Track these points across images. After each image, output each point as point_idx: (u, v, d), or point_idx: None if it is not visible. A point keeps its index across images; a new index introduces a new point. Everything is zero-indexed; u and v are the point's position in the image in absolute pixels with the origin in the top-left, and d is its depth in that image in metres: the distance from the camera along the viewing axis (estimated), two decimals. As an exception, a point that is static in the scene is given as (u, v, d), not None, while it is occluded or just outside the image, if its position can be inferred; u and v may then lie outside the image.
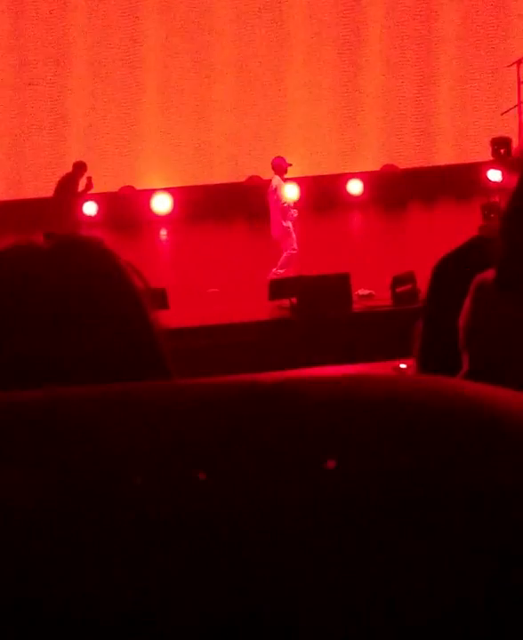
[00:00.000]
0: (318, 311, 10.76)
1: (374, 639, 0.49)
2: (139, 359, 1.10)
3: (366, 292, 11.78)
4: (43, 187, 14.78)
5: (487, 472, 0.53)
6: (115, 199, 15.27)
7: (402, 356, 6.74)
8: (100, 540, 0.51)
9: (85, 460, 0.53)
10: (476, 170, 15.47)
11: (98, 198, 14.87)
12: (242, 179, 16.05)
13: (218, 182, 15.95)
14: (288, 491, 0.52)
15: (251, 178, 16.10)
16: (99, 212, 15.04)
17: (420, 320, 1.45)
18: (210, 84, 16.05)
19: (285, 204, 12.93)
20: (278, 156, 13.40)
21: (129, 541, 0.51)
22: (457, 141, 16.27)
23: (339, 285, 11.17)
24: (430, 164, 16.17)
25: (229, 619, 0.49)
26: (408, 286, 11.06)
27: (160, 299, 9.57)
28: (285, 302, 11.28)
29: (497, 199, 13.97)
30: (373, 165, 16.05)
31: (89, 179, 14.04)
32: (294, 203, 13.01)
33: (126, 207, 15.11)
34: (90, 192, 14.19)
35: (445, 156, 16.25)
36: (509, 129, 15.11)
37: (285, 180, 13.14)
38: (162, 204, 15.66)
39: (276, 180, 13.10)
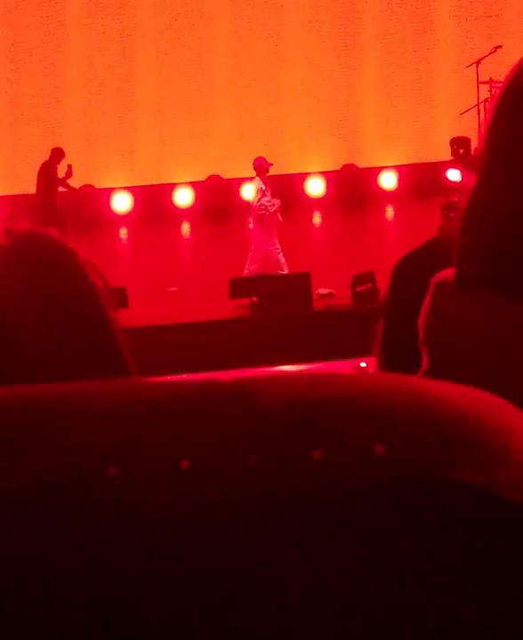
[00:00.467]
0: (279, 310, 10.78)
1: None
2: (98, 357, 1.09)
3: (327, 291, 11.82)
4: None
5: (446, 469, 0.53)
6: (75, 197, 15.22)
7: (362, 354, 6.78)
8: (65, 539, 0.51)
9: (44, 459, 0.52)
10: (435, 169, 15.56)
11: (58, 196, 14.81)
12: (203, 178, 16.05)
13: (178, 181, 15.93)
14: (248, 488, 0.52)
15: (211, 177, 16.10)
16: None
17: (380, 319, 1.46)
18: (165, 82, 16.02)
19: (266, 204, 12.94)
20: (259, 157, 13.40)
21: (94, 539, 0.51)
22: (417, 141, 16.35)
23: (299, 284, 11.20)
24: (390, 164, 16.24)
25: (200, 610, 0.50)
26: (368, 285, 11.11)
27: (120, 297, 9.55)
28: (246, 301, 11.29)
29: (456, 199, 14.05)
30: (333, 165, 16.09)
31: (69, 166, 14.04)
32: (277, 205, 12.99)
33: (86, 206, 15.04)
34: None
35: (404, 155, 16.33)
36: (468, 129, 15.21)
37: (267, 180, 13.15)
38: (121, 202, 15.63)
39: (256, 180, 13.13)
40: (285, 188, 14.20)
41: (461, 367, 1.19)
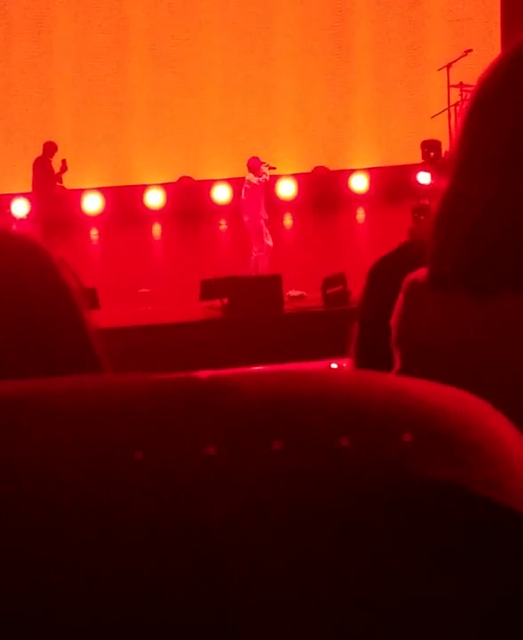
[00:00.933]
0: (250, 312, 10.77)
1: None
2: (72, 357, 1.09)
3: (297, 293, 11.83)
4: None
5: (419, 466, 0.54)
6: (42, 198, 15.16)
7: (333, 356, 6.78)
8: (35, 538, 0.51)
9: (19, 455, 0.52)
10: (406, 172, 15.61)
11: (28, 197, 14.76)
12: (174, 179, 16.02)
13: (149, 182, 15.90)
14: (223, 485, 0.52)
15: (182, 178, 16.08)
16: (30, 210, 14.93)
17: (355, 321, 1.47)
18: (135, 84, 15.99)
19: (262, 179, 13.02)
20: (254, 157, 13.44)
21: (61, 538, 0.51)
22: (388, 144, 16.39)
23: (270, 286, 11.20)
24: (362, 166, 16.28)
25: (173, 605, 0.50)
26: (339, 288, 11.12)
27: (91, 298, 9.52)
28: (217, 303, 11.27)
29: (427, 201, 14.10)
30: (304, 167, 16.11)
31: (64, 161, 13.92)
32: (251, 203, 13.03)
33: (58, 206, 14.99)
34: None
35: (376, 158, 16.37)
36: (439, 132, 15.27)
37: (261, 181, 13.19)
38: (92, 203, 15.59)
39: (250, 176, 13.17)
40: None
41: (433, 367, 1.19)
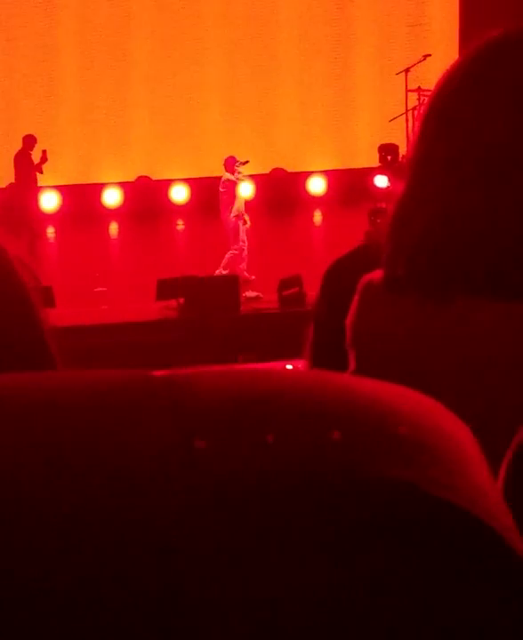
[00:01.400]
0: (206, 312, 10.76)
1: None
2: (27, 355, 1.09)
3: (254, 294, 11.84)
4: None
5: (376, 465, 0.54)
6: (2, 195, 15.06)
7: (288, 357, 6.79)
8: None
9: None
10: (363, 175, 15.67)
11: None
12: (131, 178, 15.98)
13: (107, 181, 15.85)
14: (180, 483, 0.53)
15: (140, 177, 16.03)
16: None
17: (311, 322, 1.48)
18: (93, 81, 15.93)
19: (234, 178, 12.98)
20: (230, 156, 13.41)
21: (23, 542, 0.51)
22: (346, 147, 16.45)
23: (226, 287, 11.20)
24: (319, 169, 16.32)
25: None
26: (295, 289, 11.14)
27: (47, 296, 9.46)
28: (173, 303, 11.25)
29: (384, 205, 14.15)
30: (262, 168, 16.13)
31: (44, 151, 14.01)
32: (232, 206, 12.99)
33: (14, 203, 14.90)
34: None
35: (333, 160, 16.42)
36: (396, 136, 15.34)
37: (234, 179, 13.15)
38: (49, 201, 15.50)
39: (226, 175, 13.12)
40: (214, 190, 14.19)
41: (386, 368, 1.20)
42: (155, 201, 15.59)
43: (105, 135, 15.90)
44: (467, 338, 1.17)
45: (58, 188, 15.51)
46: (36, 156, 14.21)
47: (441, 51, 15.64)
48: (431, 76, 14.46)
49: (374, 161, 15.52)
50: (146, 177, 16.04)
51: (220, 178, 13.59)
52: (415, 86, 15.08)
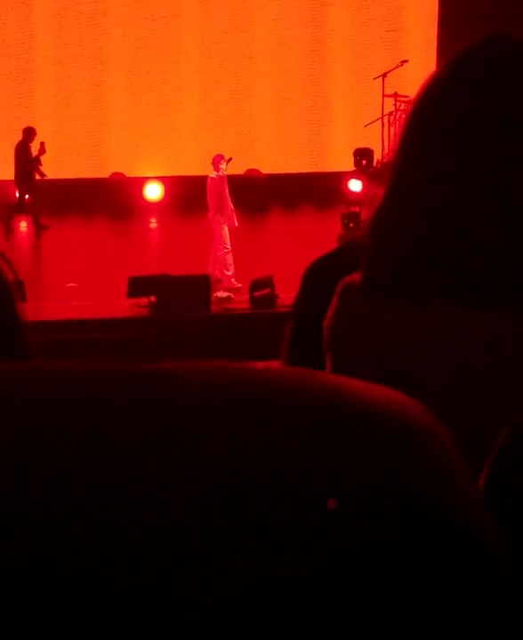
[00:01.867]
0: (176, 311, 10.74)
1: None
2: (4, 346, 1.09)
3: (225, 294, 11.83)
4: None
5: (355, 461, 0.54)
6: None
7: (259, 358, 6.79)
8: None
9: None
10: (337, 179, 15.69)
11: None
12: (106, 174, 15.93)
13: (81, 177, 15.79)
14: (165, 477, 0.53)
15: (114, 174, 15.98)
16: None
17: (288, 322, 1.48)
18: (66, 76, 15.87)
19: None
20: (218, 154, 13.32)
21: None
22: (321, 150, 16.47)
23: (198, 286, 11.17)
24: (293, 171, 16.33)
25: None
26: (266, 290, 11.15)
27: (19, 291, 9.41)
28: (144, 301, 11.22)
29: (357, 209, 14.18)
30: (236, 169, 16.12)
31: (42, 143, 14.04)
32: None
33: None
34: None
35: (308, 163, 16.43)
36: (372, 141, 15.37)
37: (218, 176, 13.05)
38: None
39: (213, 174, 13.03)
40: (192, 189, 14.17)
41: (363, 371, 1.20)
42: (128, 198, 15.54)
43: (80, 131, 15.84)
44: (445, 342, 1.18)
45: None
46: (34, 148, 14.25)
47: (419, 57, 15.70)
48: (408, 81, 14.51)
49: (348, 165, 15.54)
50: (120, 173, 15.99)
51: (196, 177, 13.55)
52: (392, 92, 15.12)
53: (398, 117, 14.89)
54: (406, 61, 15.40)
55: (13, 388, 0.56)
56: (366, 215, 14.00)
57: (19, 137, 14.50)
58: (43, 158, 14.37)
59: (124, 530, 0.50)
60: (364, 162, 15.29)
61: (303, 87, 16.49)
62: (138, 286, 11.22)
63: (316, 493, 0.52)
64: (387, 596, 0.51)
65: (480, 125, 1.18)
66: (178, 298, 10.85)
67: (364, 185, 14.92)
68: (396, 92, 14.99)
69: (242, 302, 11.39)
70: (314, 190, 15.91)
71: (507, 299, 1.14)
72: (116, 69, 16.04)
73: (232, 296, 11.78)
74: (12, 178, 14.47)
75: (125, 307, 11.30)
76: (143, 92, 16.06)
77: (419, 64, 15.00)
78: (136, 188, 15.77)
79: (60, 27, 15.84)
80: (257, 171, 16.27)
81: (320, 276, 1.41)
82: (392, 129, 14.82)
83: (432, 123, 1.21)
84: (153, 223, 15.44)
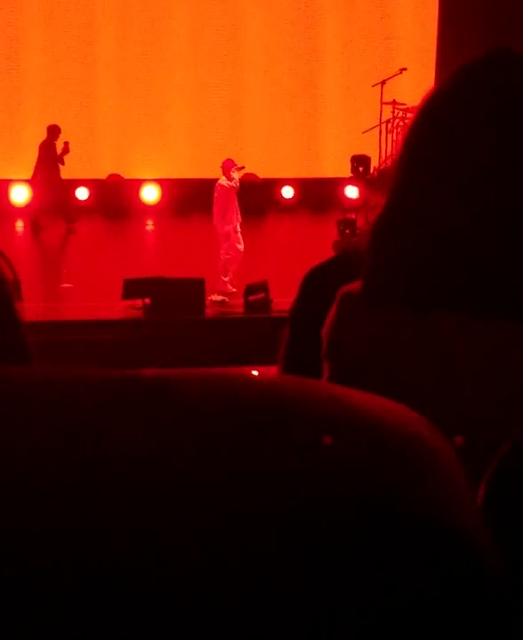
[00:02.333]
0: (171, 314, 10.74)
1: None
2: (3, 348, 1.09)
3: (219, 298, 11.83)
4: None
5: (355, 473, 0.54)
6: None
7: (253, 363, 6.79)
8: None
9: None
10: (334, 185, 15.70)
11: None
12: (103, 176, 15.92)
13: (77, 178, 15.78)
14: (166, 484, 0.53)
15: (111, 176, 15.98)
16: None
17: (286, 328, 1.47)
18: (55, 77, 15.87)
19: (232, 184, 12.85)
20: (228, 159, 13.25)
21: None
22: (318, 156, 16.48)
23: (193, 290, 11.17)
24: (290, 177, 16.34)
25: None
26: (261, 295, 11.15)
27: (16, 290, 9.40)
28: (138, 303, 11.22)
29: (353, 215, 14.19)
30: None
31: (66, 143, 14.06)
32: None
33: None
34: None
35: (305, 169, 16.44)
36: (369, 147, 15.37)
37: (230, 185, 12.94)
38: (19, 195, 15.43)
39: (223, 179, 12.96)
40: (189, 192, 14.18)
41: (361, 380, 1.20)
42: (125, 200, 15.54)
43: (77, 132, 15.83)
44: (444, 352, 1.18)
45: (29, 182, 15.42)
46: (58, 147, 14.26)
47: (418, 65, 15.70)
48: (407, 89, 14.52)
49: (345, 171, 15.55)
50: (117, 175, 15.99)
51: (193, 180, 13.54)
52: (390, 99, 15.13)
53: (395, 125, 14.91)
54: (405, 69, 15.41)
55: (15, 394, 0.56)
56: (362, 222, 14.00)
57: (43, 136, 14.41)
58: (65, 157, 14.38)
59: (124, 536, 0.50)
60: (361, 169, 15.30)
61: (302, 92, 16.51)
62: (132, 288, 11.21)
63: (318, 505, 0.52)
64: (387, 606, 0.51)
65: (481, 139, 1.18)
66: (172, 300, 10.85)
67: (360, 192, 14.93)
68: (394, 100, 15.01)
69: (236, 306, 11.39)
70: (311, 195, 15.91)
71: (508, 310, 1.14)
72: (113, 72, 16.04)
73: (227, 300, 11.78)
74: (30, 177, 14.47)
75: (120, 308, 11.29)
76: (141, 94, 16.07)
77: (418, 72, 15.01)
78: (133, 190, 15.76)
79: (58, 27, 15.84)
80: (254, 175, 16.28)
81: (318, 284, 1.41)
82: (390, 136, 14.83)
83: (434, 136, 1.22)
84: (149, 225, 15.44)
